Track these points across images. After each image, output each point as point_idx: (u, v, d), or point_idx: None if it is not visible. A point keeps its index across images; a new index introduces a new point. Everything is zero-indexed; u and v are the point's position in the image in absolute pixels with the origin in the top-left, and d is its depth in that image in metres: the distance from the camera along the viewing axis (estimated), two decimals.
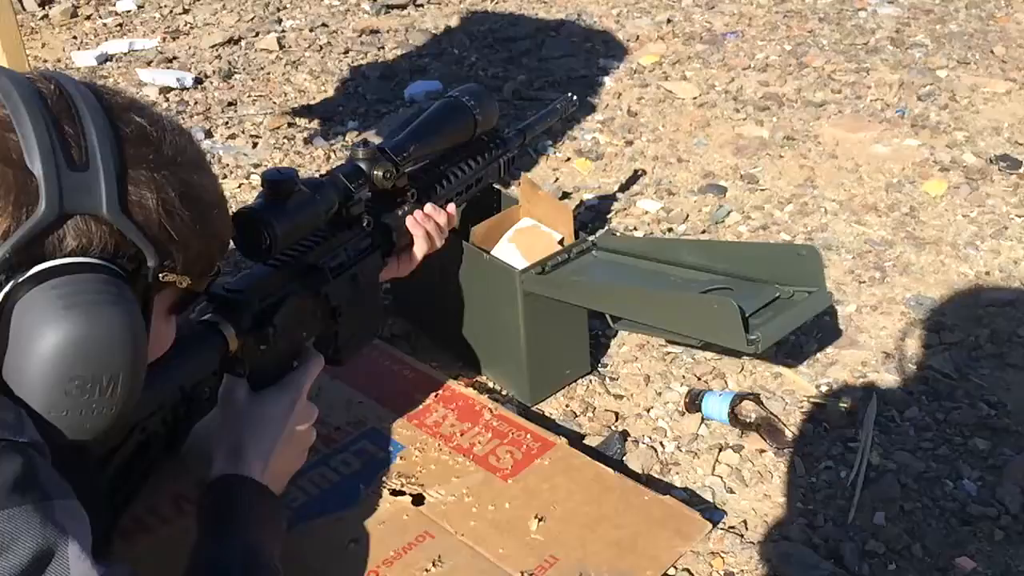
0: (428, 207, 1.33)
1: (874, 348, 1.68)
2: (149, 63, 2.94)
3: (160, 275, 0.81)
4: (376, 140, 1.30)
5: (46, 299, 0.74)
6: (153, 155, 0.80)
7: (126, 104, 0.82)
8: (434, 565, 1.13)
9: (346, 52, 3.03)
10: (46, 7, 3.37)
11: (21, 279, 0.74)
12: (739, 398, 1.48)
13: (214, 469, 1.05)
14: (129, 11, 3.38)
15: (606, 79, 2.82)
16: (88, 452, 0.90)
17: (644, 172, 2.30)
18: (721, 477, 1.40)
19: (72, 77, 0.82)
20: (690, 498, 1.34)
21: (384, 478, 1.26)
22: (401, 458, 1.30)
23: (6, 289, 0.74)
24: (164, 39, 3.14)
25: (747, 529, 1.31)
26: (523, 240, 1.56)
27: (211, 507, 1.00)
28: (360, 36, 3.16)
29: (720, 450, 1.45)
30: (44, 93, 0.77)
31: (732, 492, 1.37)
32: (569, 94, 1.66)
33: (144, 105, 0.85)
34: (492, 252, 1.53)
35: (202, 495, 1.02)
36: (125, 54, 3.02)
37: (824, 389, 1.59)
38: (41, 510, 0.70)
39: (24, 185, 0.73)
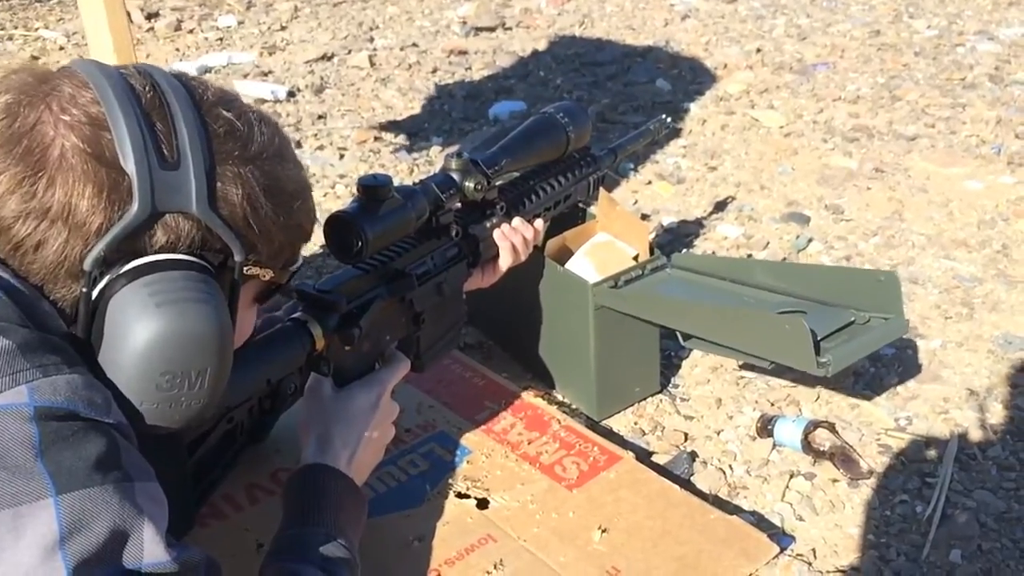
0: (516, 221, 1.34)
1: (958, 384, 1.63)
2: (246, 76, 3.05)
3: (245, 268, 0.83)
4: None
5: (139, 296, 0.76)
6: (240, 151, 0.81)
7: (215, 99, 0.82)
8: (495, 568, 1.13)
9: (434, 71, 3.10)
10: (152, 20, 3.53)
11: (115, 275, 0.76)
12: (813, 425, 1.45)
13: (303, 457, 1.07)
14: (230, 27, 3.52)
15: (691, 105, 2.82)
16: (177, 437, 0.93)
17: (733, 198, 2.27)
18: (791, 504, 1.37)
19: (164, 70, 0.82)
20: (758, 522, 1.32)
21: (450, 480, 1.27)
22: (468, 462, 1.31)
23: (101, 284, 0.76)
24: (261, 54, 3.26)
25: (815, 558, 1.28)
26: (598, 255, 1.56)
27: (297, 492, 1.02)
28: (448, 56, 3.23)
29: (791, 477, 1.42)
30: (137, 90, 0.77)
31: (801, 520, 1.34)
32: (663, 116, 1.65)
33: (232, 97, 0.85)
34: (566, 265, 1.53)
35: (289, 480, 1.04)
36: (224, 67, 3.13)
37: (903, 423, 1.54)
38: (120, 491, 0.70)
39: (117, 184, 0.74)
